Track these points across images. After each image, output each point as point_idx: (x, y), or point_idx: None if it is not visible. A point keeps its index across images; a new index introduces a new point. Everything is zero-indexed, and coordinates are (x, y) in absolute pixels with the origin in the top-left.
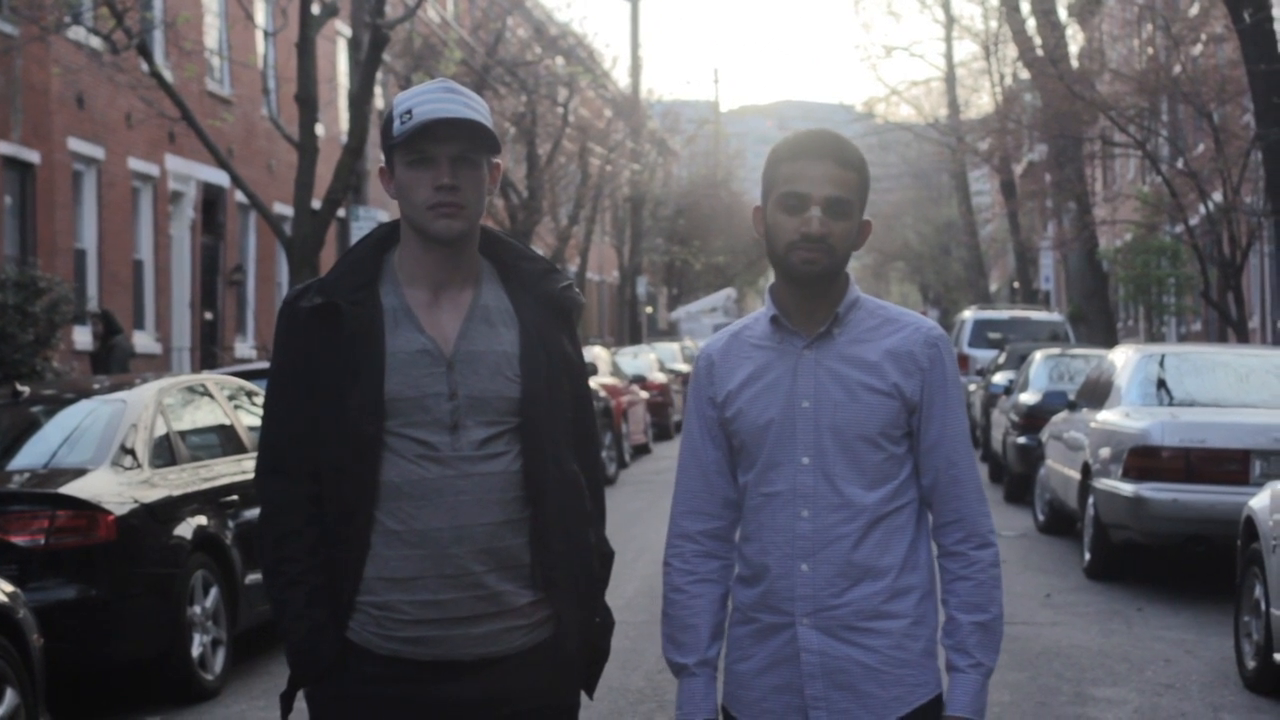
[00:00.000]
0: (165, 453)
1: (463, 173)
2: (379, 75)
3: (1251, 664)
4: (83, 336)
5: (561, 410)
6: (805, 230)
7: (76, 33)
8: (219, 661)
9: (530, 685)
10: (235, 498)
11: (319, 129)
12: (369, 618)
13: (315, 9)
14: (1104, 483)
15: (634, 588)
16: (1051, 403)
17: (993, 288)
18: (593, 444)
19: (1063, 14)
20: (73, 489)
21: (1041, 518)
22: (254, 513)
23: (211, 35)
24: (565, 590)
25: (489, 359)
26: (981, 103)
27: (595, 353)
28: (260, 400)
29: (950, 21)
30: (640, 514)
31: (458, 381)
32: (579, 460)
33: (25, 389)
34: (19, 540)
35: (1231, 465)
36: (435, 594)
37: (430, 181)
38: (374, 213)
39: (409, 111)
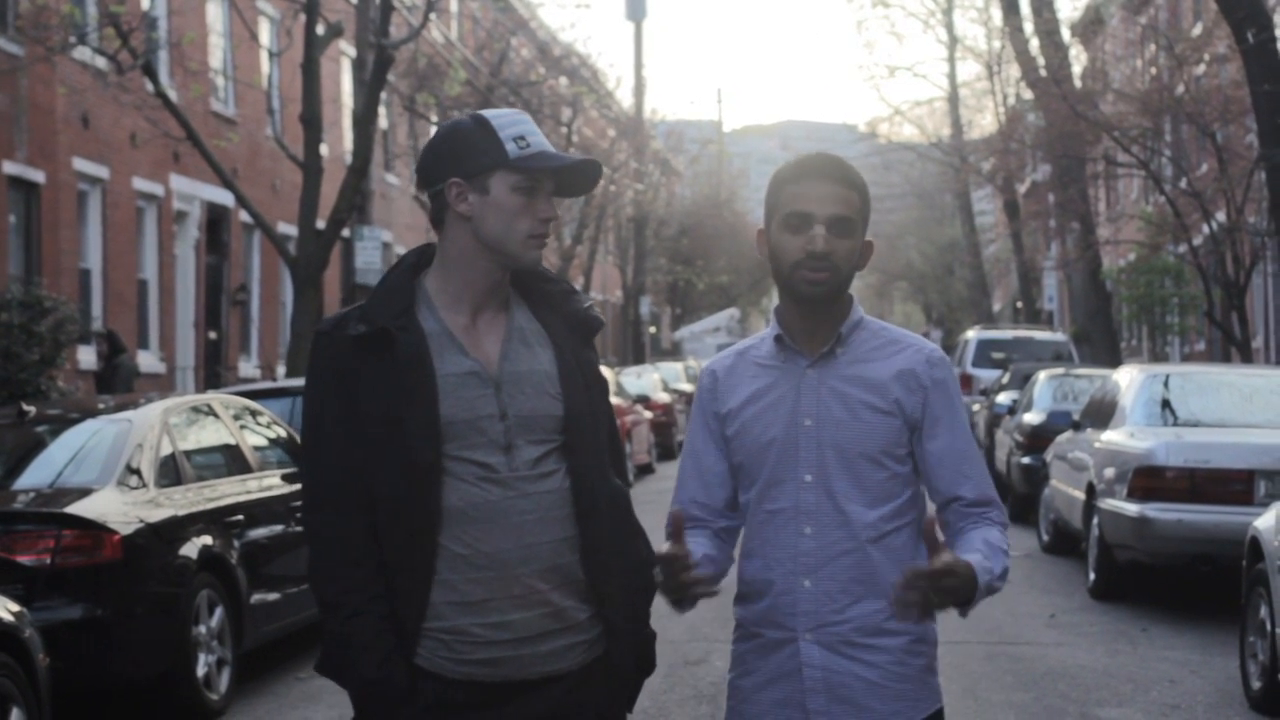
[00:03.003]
0: (171, 472)
1: (553, 208)
2: (383, 95)
3: (1257, 684)
4: (87, 356)
5: (601, 426)
6: (810, 248)
7: (82, 53)
8: (224, 681)
9: (588, 700)
10: (241, 517)
11: (323, 149)
12: (439, 643)
13: (320, 29)
14: (1109, 503)
15: None
16: (1055, 423)
17: (996, 308)
18: (623, 458)
19: (1066, 34)
20: (78, 508)
21: (1046, 538)
22: (259, 531)
23: (216, 55)
24: (620, 604)
25: (533, 378)
26: (985, 123)
27: None
28: (265, 419)
29: (953, 42)
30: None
31: (506, 402)
32: (616, 474)
33: (31, 408)
34: (25, 559)
35: (1236, 485)
36: (505, 615)
37: (536, 213)
38: (378, 232)
39: (523, 138)
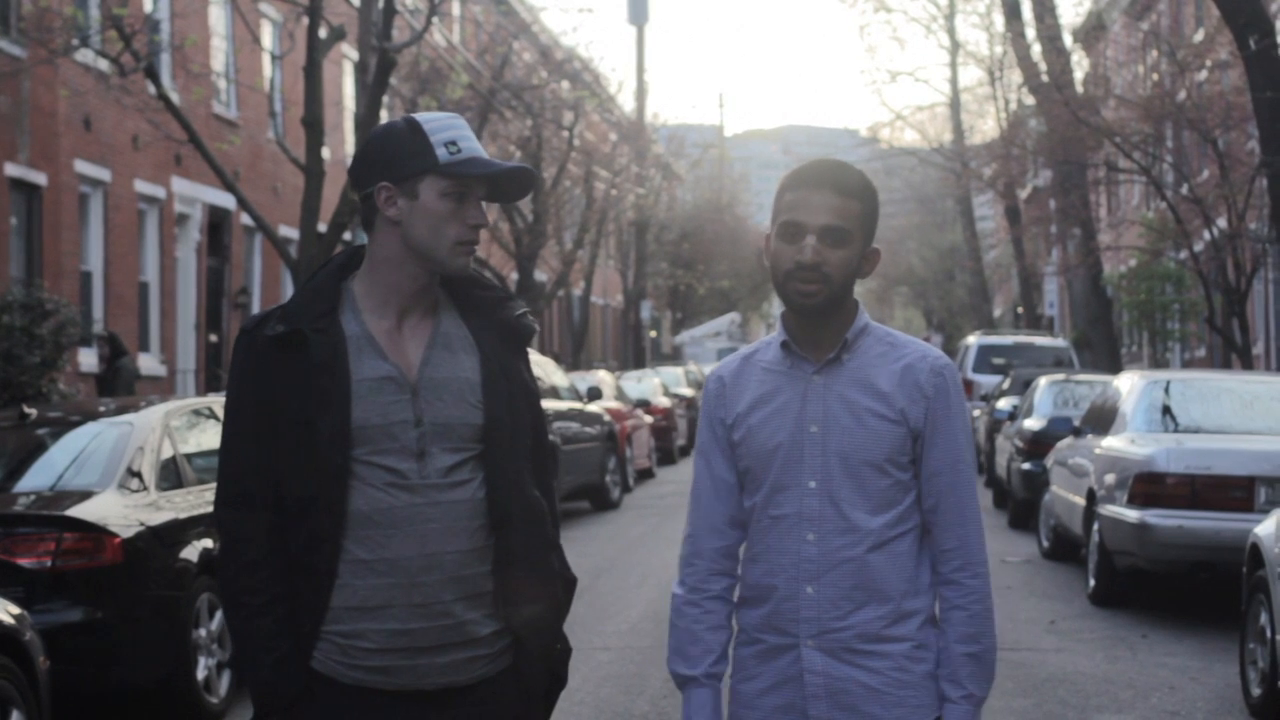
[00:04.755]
0: (171, 475)
1: (483, 214)
2: (385, 99)
3: (1256, 691)
4: (88, 359)
5: (523, 437)
6: (799, 259)
7: (84, 55)
8: (224, 685)
9: (493, 715)
10: None
11: (325, 152)
12: (335, 647)
13: (322, 33)
14: (1109, 509)
15: (638, 612)
16: (1056, 429)
17: (997, 313)
18: (549, 470)
19: (1068, 40)
20: (79, 511)
21: (1046, 544)
22: None
23: (218, 58)
24: (530, 618)
25: (453, 385)
26: (986, 128)
27: (599, 376)
28: None
29: (955, 47)
30: (644, 538)
31: (423, 408)
32: (538, 486)
33: (32, 411)
34: (26, 562)
35: (1237, 492)
36: (404, 623)
37: (465, 219)
38: None
39: (454, 143)
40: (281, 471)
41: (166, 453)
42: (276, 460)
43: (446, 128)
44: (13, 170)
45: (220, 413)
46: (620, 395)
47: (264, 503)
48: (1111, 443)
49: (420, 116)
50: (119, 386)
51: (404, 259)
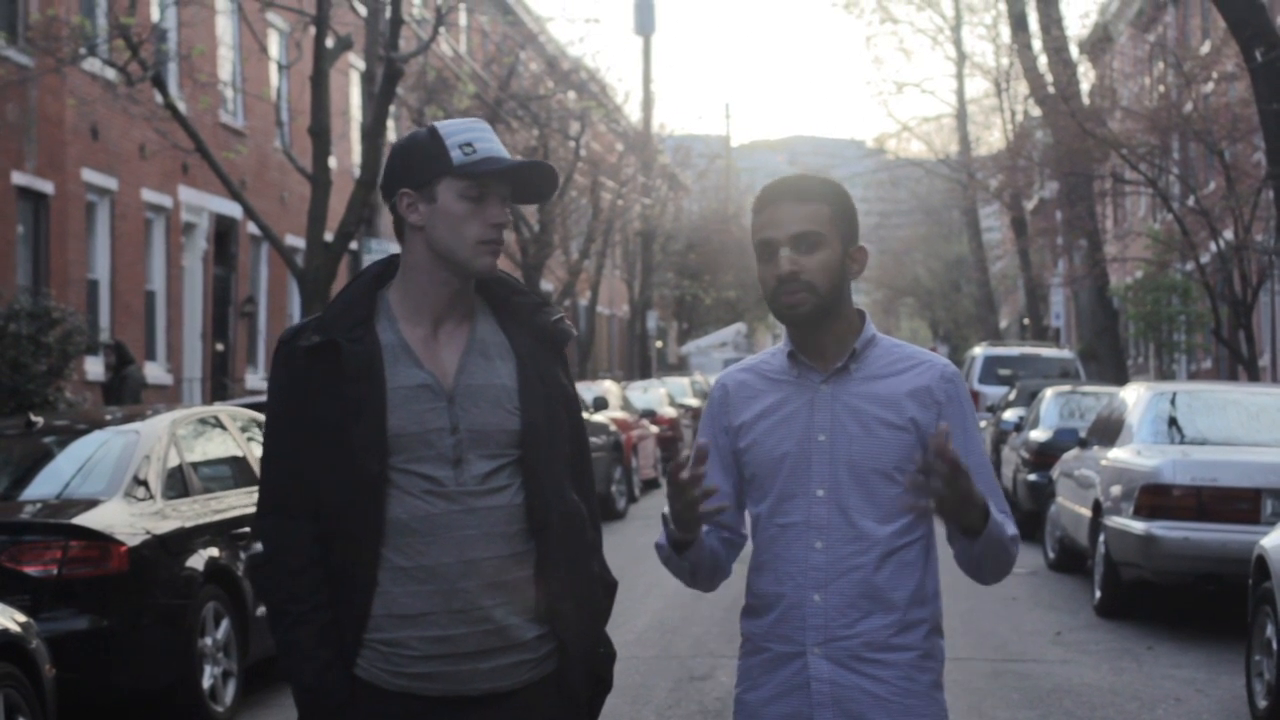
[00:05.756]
0: (178, 484)
1: (505, 213)
2: (392, 109)
3: (1263, 703)
4: (95, 367)
5: (560, 442)
6: (778, 273)
7: (92, 64)
8: (229, 693)
9: (536, 719)
10: (247, 530)
11: (332, 161)
12: (378, 654)
13: (329, 42)
14: (1115, 520)
15: (644, 622)
16: (1062, 440)
17: (1003, 324)
18: (589, 474)
19: (1074, 51)
20: (85, 520)
21: (1052, 555)
22: None
23: (226, 68)
24: (570, 622)
25: (489, 392)
26: (993, 139)
27: (605, 387)
28: None
29: (962, 58)
30: (649, 549)
31: (459, 415)
32: (577, 490)
33: (38, 419)
34: (32, 570)
35: (1243, 504)
36: (445, 629)
37: (486, 218)
38: (386, 245)
39: (470, 144)
40: (320, 481)
41: (173, 461)
42: (315, 470)
43: (463, 130)
44: (20, 179)
45: (226, 422)
46: (626, 405)
47: (305, 512)
48: (1117, 454)
49: (440, 123)
50: (125, 395)
51: (433, 265)
